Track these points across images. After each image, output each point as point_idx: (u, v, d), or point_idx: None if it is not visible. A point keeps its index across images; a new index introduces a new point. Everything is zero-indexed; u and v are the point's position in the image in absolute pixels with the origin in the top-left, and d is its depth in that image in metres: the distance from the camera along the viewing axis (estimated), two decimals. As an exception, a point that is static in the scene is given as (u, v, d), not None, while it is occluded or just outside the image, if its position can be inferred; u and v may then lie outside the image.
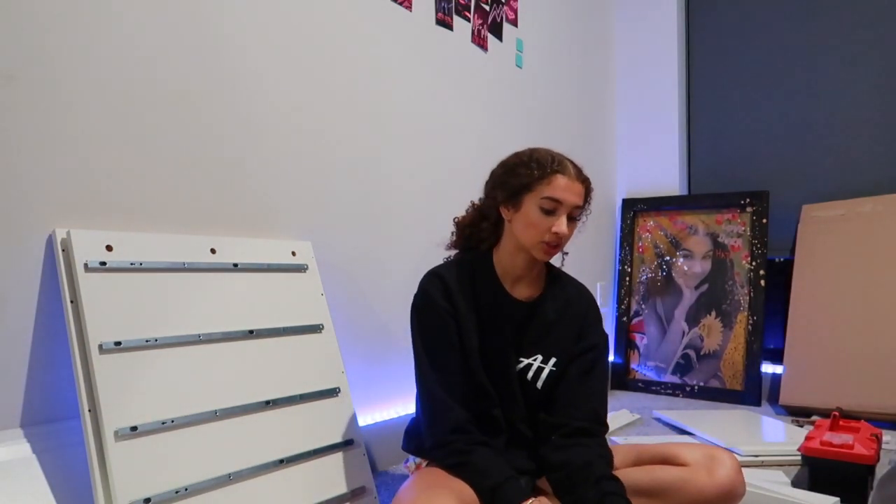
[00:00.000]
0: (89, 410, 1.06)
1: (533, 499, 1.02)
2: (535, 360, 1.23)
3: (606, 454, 1.14)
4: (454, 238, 1.34)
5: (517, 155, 1.22)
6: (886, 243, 2.36)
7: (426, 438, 1.18)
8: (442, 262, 1.29)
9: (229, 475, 1.18)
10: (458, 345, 1.19)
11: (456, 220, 1.34)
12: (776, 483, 1.51)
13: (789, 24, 2.79)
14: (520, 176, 1.17)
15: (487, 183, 1.26)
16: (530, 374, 1.22)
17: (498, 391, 1.22)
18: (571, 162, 1.19)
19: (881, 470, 1.46)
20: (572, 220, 1.18)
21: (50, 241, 1.14)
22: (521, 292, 1.25)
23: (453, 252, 1.34)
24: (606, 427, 1.21)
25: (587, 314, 1.28)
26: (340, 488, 1.35)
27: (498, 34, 2.32)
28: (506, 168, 1.21)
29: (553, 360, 1.23)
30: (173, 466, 1.11)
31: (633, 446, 1.26)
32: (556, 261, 1.32)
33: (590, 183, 1.21)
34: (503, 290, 1.24)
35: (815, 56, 2.73)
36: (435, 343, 1.19)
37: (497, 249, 1.26)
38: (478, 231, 1.29)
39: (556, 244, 1.17)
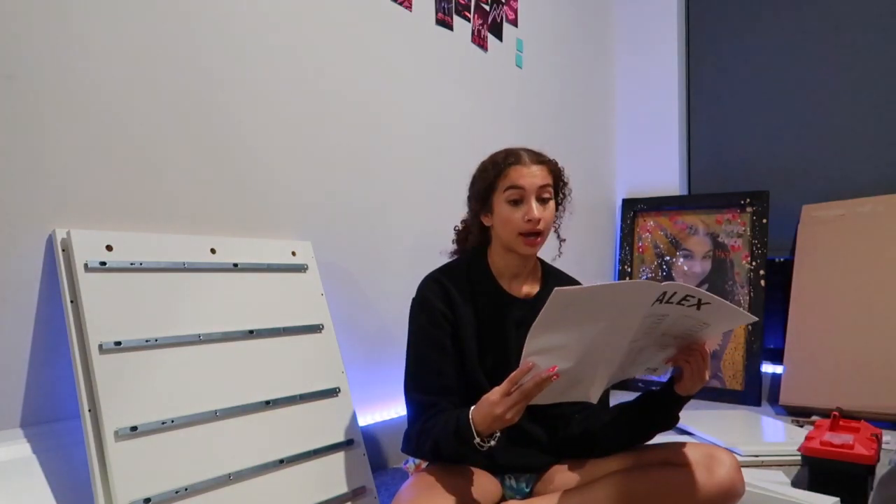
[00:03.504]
0: (89, 410, 1.06)
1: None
2: None
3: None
4: (455, 246, 1.38)
5: (481, 163, 1.26)
6: (886, 243, 2.36)
7: (410, 439, 1.18)
8: (446, 262, 1.31)
9: (229, 475, 1.18)
10: (451, 349, 1.20)
11: (455, 228, 1.38)
12: (776, 483, 1.51)
13: (789, 24, 2.79)
14: (481, 181, 1.22)
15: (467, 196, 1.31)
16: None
17: None
18: (528, 150, 1.22)
19: (881, 470, 1.46)
20: (544, 201, 1.19)
21: (50, 241, 1.14)
22: (519, 290, 1.26)
23: (454, 258, 1.36)
24: None
25: None
26: (340, 488, 1.35)
27: (498, 34, 2.32)
28: (472, 179, 1.26)
29: None
30: (173, 466, 1.11)
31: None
32: (553, 250, 1.33)
33: (554, 163, 1.23)
34: (501, 290, 1.24)
35: (815, 56, 2.73)
36: (428, 346, 1.20)
37: (490, 250, 1.27)
38: (466, 235, 1.33)
39: (535, 231, 1.17)
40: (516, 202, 1.17)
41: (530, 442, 1.24)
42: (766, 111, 2.85)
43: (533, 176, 1.17)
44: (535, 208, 1.16)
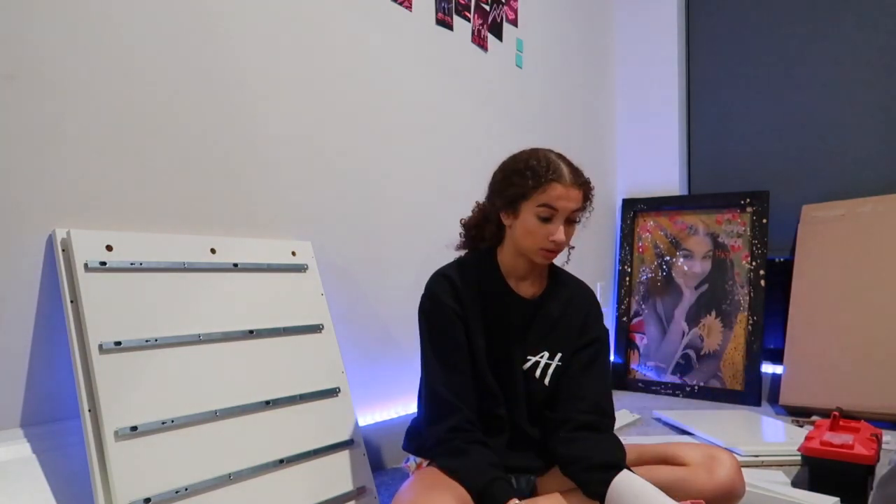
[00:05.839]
0: (89, 410, 1.06)
1: (515, 500, 1.02)
2: (542, 357, 1.24)
3: (614, 447, 1.14)
4: (462, 239, 1.35)
5: (514, 160, 1.21)
6: (886, 243, 2.36)
7: (427, 437, 1.18)
8: (447, 262, 1.30)
9: (229, 475, 1.18)
10: (465, 345, 1.20)
11: (462, 221, 1.35)
12: (776, 483, 1.51)
13: (789, 24, 2.79)
14: (515, 185, 1.16)
15: (489, 186, 1.26)
16: (538, 372, 1.23)
17: (503, 390, 1.22)
18: (569, 165, 1.17)
19: (881, 470, 1.46)
20: (571, 222, 1.18)
21: (50, 241, 1.14)
22: (526, 290, 1.26)
23: (462, 252, 1.35)
24: (613, 419, 1.21)
25: (589, 310, 1.29)
26: (340, 488, 1.35)
27: (498, 34, 2.32)
28: (504, 174, 1.21)
29: (559, 356, 1.24)
30: (173, 466, 1.11)
31: (634, 446, 1.26)
32: (561, 255, 1.33)
33: (589, 185, 1.20)
34: (508, 289, 1.24)
35: (815, 56, 2.73)
36: (443, 343, 1.20)
37: (500, 249, 1.27)
38: (482, 232, 1.30)
39: (555, 249, 1.17)
40: (546, 219, 1.14)
41: (531, 444, 1.24)
42: (765, 111, 2.85)
43: (570, 199, 1.14)
44: (563, 231, 1.15)
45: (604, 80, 3.09)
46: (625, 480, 1.02)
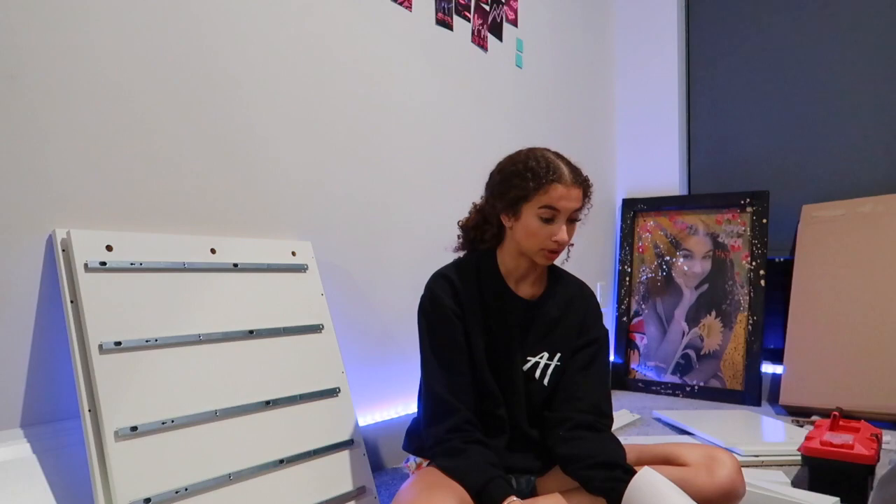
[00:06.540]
0: (89, 410, 1.06)
1: (514, 498, 1.02)
2: (541, 357, 1.24)
3: (615, 446, 1.14)
4: (461, 241, 1.35)
5: (513, 161, 1.20)
6: (886, 243, 2.36)
7: (426, 437, 1.18)
8: (447, 262, 1.30)
9: (229, 475, 1.18)
10: (464, 345, 1.20)
11: (460, 223, 1.34)
12: (776, 483, 1.51)
13: (790, 23, 2.79)
14: (516, 187, 1.15)
15: (486, 187, 1.25)
16: (538, 373, 1.23)
17: (502, 390, 1.22)
18: (568, 165, 1.17)
19: (881, 470, 1.46)
20: (573, 221, 1.18)
21: (50, 241, 1.14)
22: (525, 291, 1.26)
23: (460, 254, 1.35)
24: (611, 420, 1.21)
25: (588, 310, 1.29)
26: (341, 488, 1.35)
27: (498, 34, 2.32)
28: (502, 176, 1.19)
29: (558, 356, 1.25)
30: (173, 466, 1.11)
31: (634, 446, 1.26)
32: (561, 254, 1.32)
33: (588, 184, 1.19)
34: (508, 290, 1.24)
35: (816, 56, 2.73)
36: (442, 344, 1.20)
37: (500, 249, 1.26)
38: (482, 234, 1.30)
39: (557, 250, 1.17)
40: (548, 220, 1.14)
41: (530, 444, 1.24)
42: (765, 111, 2.85)
43: (571, 199, 1.14)
44: (565, 230, 1.15)
45: (604, 80, 3.09)
46: (646, 476, 1.02)
